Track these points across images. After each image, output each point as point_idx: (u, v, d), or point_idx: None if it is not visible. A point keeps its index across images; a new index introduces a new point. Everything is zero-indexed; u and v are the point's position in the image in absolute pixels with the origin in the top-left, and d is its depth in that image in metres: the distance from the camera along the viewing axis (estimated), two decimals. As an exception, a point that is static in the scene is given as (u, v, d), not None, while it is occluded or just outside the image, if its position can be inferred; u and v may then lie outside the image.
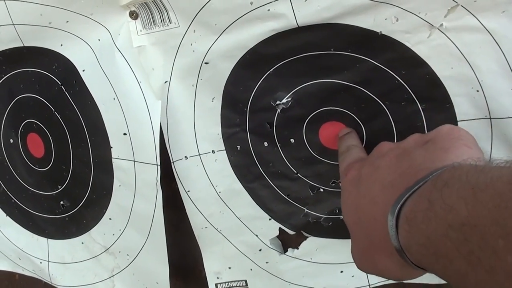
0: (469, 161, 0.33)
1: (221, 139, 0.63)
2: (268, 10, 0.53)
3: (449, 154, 0.36)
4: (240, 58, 0.54)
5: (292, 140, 0.56)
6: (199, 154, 0.64)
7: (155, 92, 0.61)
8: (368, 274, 0.56)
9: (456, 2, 0.47)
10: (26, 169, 0.71)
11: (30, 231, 0.81)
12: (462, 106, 0.51)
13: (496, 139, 0.51)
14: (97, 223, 0.74)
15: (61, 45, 0.65)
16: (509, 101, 0.49)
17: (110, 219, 0.72)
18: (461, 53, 0.49)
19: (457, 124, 0.51)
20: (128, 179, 0.62)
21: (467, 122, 0.51)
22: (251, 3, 0.53)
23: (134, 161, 0.64)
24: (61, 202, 0.71)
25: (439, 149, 0.37)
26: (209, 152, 0.63)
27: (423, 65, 0.50)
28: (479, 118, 0.50)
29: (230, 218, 0.65)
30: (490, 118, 0.50)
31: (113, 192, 0.65)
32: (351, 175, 0.44)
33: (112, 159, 0.63)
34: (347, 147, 0.50)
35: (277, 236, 0.64)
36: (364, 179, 0.42)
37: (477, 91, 0.50)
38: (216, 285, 0.69)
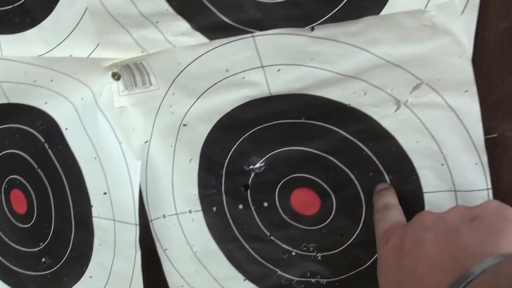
0: None
1: (198, 199, 0.64)
2: (243, 78, 0.55)
3: (501, 237, 0.35)
4: (216, 122, 0.55)
5: (266, 204, 0.57)
6: (177, 214, 0.65)
7: (136, 152, 0.63)
8: None
9: (421, 80, 0.48)
10: (9, 226, 0.72)
11: (12, 288, 0.82)
12: (427, 178, 0.52)
13: (461, 211, 0.52)
14: (77, 281, 0.74)
15: (46, 103, 0.66)
16: (473, 175, 0.51)
17: (90, 277, 0.72)
18: (426, 128, 0.50)
19: (422, 196, 0.52)
20: (108, 238, 0.62)
21: (433, 194, 0.52)
22: (227, 70, 0.55)
23: (114, 220, 0.65)
24: (43, 259, 0.72)
25: (490, 231, 0.36)
26: (186, 212, 0.64)
27: (390, 138, 0.52)
28: (444, 191, 0.52)
29: (206, 278, 0.66)
30: (455, 191, 0.51)
31: (93, 251, 0.67)
32: (392, 243, 0.42)
33: (93, 217, 0.64)
34: (386, 206, 0.47)
35: (252, 297, 0.65)
36: (407, 252, 0.40)
37: (442, 164, 0.51)
38: None
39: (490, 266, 0.32)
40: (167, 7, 0.50)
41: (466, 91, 0.48)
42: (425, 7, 0.46)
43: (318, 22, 0.50)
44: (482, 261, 0.33)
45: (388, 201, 0.48)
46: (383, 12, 0.46)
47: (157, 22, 0.51)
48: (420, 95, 0.49)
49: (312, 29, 0.50)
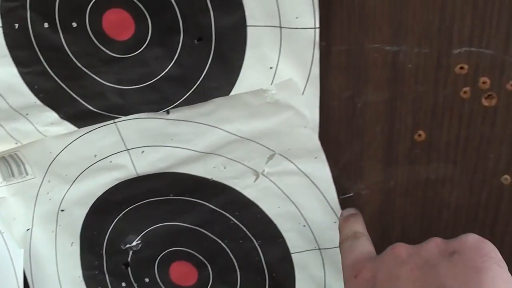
0: None
1: (83, 281, 0.65)
2: (110, 161, 0.57)
3: (484, 276, 0.33)
4: (91, 206, 0.56)
5: (147, 279, 0.59)
6: (64, 297, 0.65)
7: (18, 241, 0.63)
8: None
9: (273, 151, 0.52)
10: None
11: None
12: (293, 240, 0.55)
13: (328, 266, 0.56)
14: None
15: None
16: (334, 233, 0.54)
17: None
18: (285, 194, 0.53)
19: (290, 256, 0.55)
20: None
21: (300, 253, 0.55)
22: (95, 156, 0.57)
23: (-1, 309, 0.65)
24: None
25: (470, 268, 0.33)
26: (73, 295, 0.65)
27: (253, 206, 0.54)
28: (310, 250, 0.55)
29: None
30: (320, 249, 0.55)
31: None
32: (362, 278, 0.39)
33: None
34: (354, 234, 0.45)
35: None
36: None
37: (304, 226, 0.54)
38: None
39: None
40: (35, 99, 0.52)
41: (315, 158, 0.51)
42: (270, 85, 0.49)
43: (173, 105, 0.52)
44: None
45: (357, 229, 0.46)
46: (232, 93, 0.48)
47: (27, 114, 0.53)
48: (275, 164, 0.52)
49: (168, 112, 0.52)
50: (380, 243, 0.53)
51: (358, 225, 0.47)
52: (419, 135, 0.51)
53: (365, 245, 0.43)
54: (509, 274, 0.34)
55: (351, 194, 0.53)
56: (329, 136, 0.51)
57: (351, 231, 0.45)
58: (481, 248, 0.35)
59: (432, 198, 0.53)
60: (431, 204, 0.54)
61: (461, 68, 0.48)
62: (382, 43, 0.48)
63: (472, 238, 0.36)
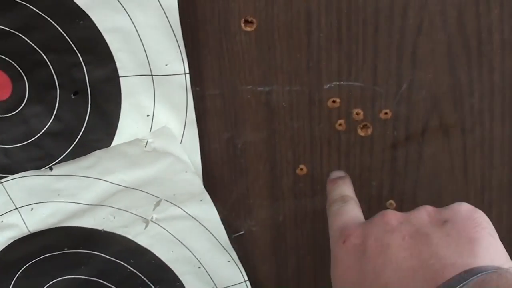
0: (506, 266, 0.30)
1: None
2: (2, 221, 0.56)
3: (477, 246, 0.32)
4: (-10, 265, 0.55)
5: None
6: None
7: None
8: None
9: (159, 197, 0.52)
10: None
11: None
12: (190, 282, 0.55)
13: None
14: None
15: None
16: (229, 271, 0.54)
17: None
18: (177, 238, 0.53)
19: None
20: None
21: (196, 295, 0.55)
22: (-14, 217, 0.56)
23: None
24: None
25: (463, 238, 0.32)
26: None
27: (147, 253, 0.54)
28: (209, 290, 0.55)
29: None
30: (217, 288, 0.55)
31: None
32: (351, 243, 0.37)
33: None
34: (342, 197, 0.43)
35: None
36: (370, 257, 0.34)
37: (199, 267, 0.54)
38: None
39: (470, 280, 0.29)
40: None
41: (201, 200, 0.51)
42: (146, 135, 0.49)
43: (56, 161, 0.51)
44: (460, 273, 0.30)
45: (345, 192, 0.44)
46: (113, 143, 0.47)
47: None
48: (162, 210, 0.52)
49: (51, 169, 0.51)
50: (276, 279, 0.54)
51: (346, 188, 0.45)
52: (301, 169, 0.52)
53: (353, 209, 0.41)
54: (501, 244, 0.33)
55: (242, 232, 0.54)
56: (214, 177, 0.51)
57: (338, 194, 0.44)
58: (474, 218, 0.34)
59: (322, 229, 0.54)
60: (322, 235, 0.54)
61: (334, 101, 0.49)
62: (254, 85, 0.49)
63: (464, 207, 0.35)
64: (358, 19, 0.46)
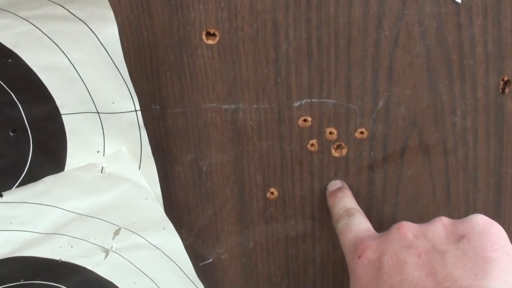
0: None
1: None
2: (-48, 252, 0.50)
3: (493, 268, 0.31)
4: None
5: None
6: None
7: None
8: None
9: (118, 226, 0.46)
10: None
11: None
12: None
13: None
14: None
15: None
16: (195, 303, 0.48)
17: None
18: (139, 269, 0.47)
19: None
20: None
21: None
22: None
23: None
24: None
25: (480, 258, 0.31)
26: None
27: (108, 284, 0.49)
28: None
29: None
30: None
31: None
32: (367, 259, 0.35)
33: None
34: (347, 211, 0.41)
35: None
36: (387, 274, 0.33)
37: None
38: None
39: None
40: None
41: (164, 229, 0.46)
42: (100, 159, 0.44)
43: (7, 188, 0.45)
44: None
45: (348, 205, 0.42)
46: (66, 169, 0.46)
47: None
48: (123, 239, 0.46)
49: (1, 195, 0.45)
50: (248, 309, 0.47)
51: (348, 200, 0.43)
52: (272, 193, 0.46)
53: (361, 222, 0.40)
54: None
55: (210, 260, 0.48)
56: (178, 201, 0.46)
57: (342, 208, 0.42)
58: (491, 234, 0.33)
59: (295, 255, 0.48)
60: (295, 262, 0.48)
61: (305, 120, 0.43)
62: (218, 102, 0.43)
63: (481, 220, 0.34)
64: (329, 31, 0.40)
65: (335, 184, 0.45)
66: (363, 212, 0.41)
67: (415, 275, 0.32)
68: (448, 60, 0.42)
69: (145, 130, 0.43)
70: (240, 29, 0.41)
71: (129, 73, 0.41)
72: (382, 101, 0.43)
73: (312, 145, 0.45)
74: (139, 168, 0.43)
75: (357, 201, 0.45)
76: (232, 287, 0.49)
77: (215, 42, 0.42)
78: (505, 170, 0.45)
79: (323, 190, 0.46)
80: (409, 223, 0.36)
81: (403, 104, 0.43)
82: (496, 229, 0.33)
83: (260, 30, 0.41)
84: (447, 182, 0.45)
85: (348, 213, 0.41)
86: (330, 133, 0.44)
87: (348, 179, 0.46)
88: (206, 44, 0.42)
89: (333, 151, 0.45)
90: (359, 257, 0.36)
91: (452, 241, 0.33)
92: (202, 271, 0.49)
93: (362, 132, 0.44)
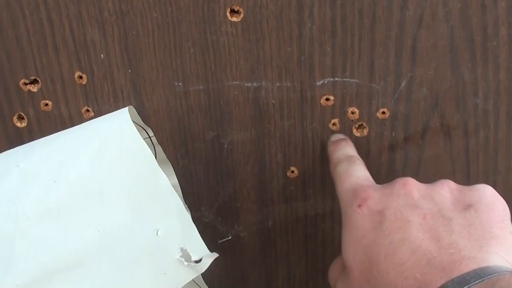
0: None
1: None
2: None
3: (498, 244, 0.30)
4: None
5: None
6: None
7: None
8: None
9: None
10: None
11: None
12: None
13: None
14: None
15: None
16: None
17: None
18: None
19: None
20: None
21: None
22: None
23: None
24: None
25: (486, 233, 0.30)
26: None
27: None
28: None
29: None
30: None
31: None
32: (368, 209, 0.34)
33: None
34: (348, 158, 0.39)
35: None
36: (388, 229, 0.32)
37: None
38: None
39: (485, 278, 0.27)
40: None
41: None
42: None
43: None
44: (476, 269, 0.28)
45: (350, 153, 0.40)
46: None
47: None
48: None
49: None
50: (265, 286, 0.47)
51: (350, 149, 0.41)
52: (292, 172, 0.45)
53: (362, 170, 0.38)
54: None
55: (230, 238, 0.47)
56: (198, 180, 0.45)
57: (343, 155, 0.40)
58: (498, 210, 0.32)
59: (314, 234, 0.47)
60: (314, 241, 0.48)
61: (327, 99, 0.43)
62: (241, 80, 0.42)
63: (489, 192, 0.33)
64: (354, 10, 0.40)
65: (338, 135, 0.44)
66: (364, 164, 0.38)
67: (418, 236, 0.31)
68: (472, 42, 0.41)
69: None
70: (265, 6, 0.41)
71: (152, 49, 0.40)
72: (404, 81, 0.42)
73: (333, 124, 0.44)
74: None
75: (377, 181, 0.44)
76: (250, 264, 0.49)
77: (239, 19, 0.41)
78: (527, 152, 0.44)
79: (344, 170, 0.45)
80: (414, 180, 0.34)
81: (425, 85, 0.42)
82: (502, 206, 0.33)
83: (284, 7, 0.41)
84: (467, 163, 0.44)
85: (350, 159, 0.39)
86: (352, 112, 0.43)
87: (369, 159, 0.45)
88: (230, 21, 0.41)
89: (354, 130, 0.44)
90: (359, 205, 0.34)
91: (458, 209, 0.32)
92: (221, 248, 0.48)
93: (384, 112, 0.43)
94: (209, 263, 0.34)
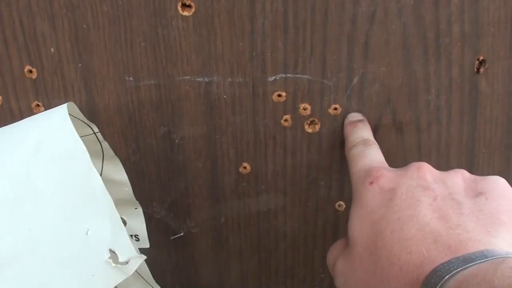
0: None
1: None
2: None
3: (506, 231, 0.29)
4: None
5: None
6: None
7: None
8: None
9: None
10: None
11: None
12: None
13: None
14: None
15: None
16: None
17: None
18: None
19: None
20: None
21: None
22: None
23: None
24: None
25: (495, 219, 0.30)
26: None
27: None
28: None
29: None
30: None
31: None
32: (379, 186, 0.33)
33: None
34: (364, 141, 0.39)
35: None
36: (398, 205, 0.32)
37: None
38: None
39: (490, 259, 0.27)
40: None
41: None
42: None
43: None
44: (482, 250, 0.27)
45: (367, 136, 0.40)
46: None
47: None
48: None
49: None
50: (219, 284, 0.46)
51: (368, 132, 0.40)
52: (244, 167, 0.45)
53: (378, 153, 0.37)
54: None
55: (181, 234, 0.46)
56: (150, 175, 0.44)
57: (360, 137, 0.39)
58: (509, 199, 0.32)
59: (266, 230, 0.47)
60: (266, 237, 0.47)
61: (279, 95, 0.42)
62: (192, 75, 0.41)
63: (502, 182, 0.33)
64: (306, 6, 0.39)
65: (356, 115, 0.43)
66: (379, 149, 0.38)
67: (427, 215, 0.30)
68: (424, 38, 0.40)
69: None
70: (217, 1, 0.40)
71: (103, 43, 0.39)
72: (357, 78, 0.41)
73: (285, 120, 0.43)
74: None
75: (329, 177, 0.44)
76: (203, 261, 0.48)
77: (191, 13, 0.40)
78: (478, 149, 0.44)
79: (296, 165, 0.45)
80: (429, 165, 0.34)
81: (377, 82, 0.42)
82: None
83: (236, 2, 0.40)
84: (419, 160, 0.44)
85: (366, 142, 0.39)
86: (304, 108, 0.43)
87: (321, 155, 0.44)
88: (182, 15, 0.40)
89: (306, 126, 0.44)
90: (371, 183, 0.34)
91: (469, 195, 0.32)
92: (173, 244, 0.47)
93: (336, 109, 0.43)
94: (137, 265, 0.33)
